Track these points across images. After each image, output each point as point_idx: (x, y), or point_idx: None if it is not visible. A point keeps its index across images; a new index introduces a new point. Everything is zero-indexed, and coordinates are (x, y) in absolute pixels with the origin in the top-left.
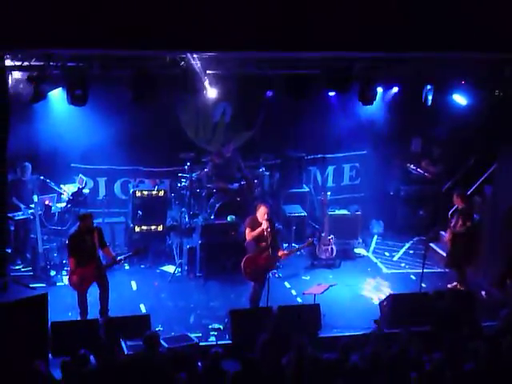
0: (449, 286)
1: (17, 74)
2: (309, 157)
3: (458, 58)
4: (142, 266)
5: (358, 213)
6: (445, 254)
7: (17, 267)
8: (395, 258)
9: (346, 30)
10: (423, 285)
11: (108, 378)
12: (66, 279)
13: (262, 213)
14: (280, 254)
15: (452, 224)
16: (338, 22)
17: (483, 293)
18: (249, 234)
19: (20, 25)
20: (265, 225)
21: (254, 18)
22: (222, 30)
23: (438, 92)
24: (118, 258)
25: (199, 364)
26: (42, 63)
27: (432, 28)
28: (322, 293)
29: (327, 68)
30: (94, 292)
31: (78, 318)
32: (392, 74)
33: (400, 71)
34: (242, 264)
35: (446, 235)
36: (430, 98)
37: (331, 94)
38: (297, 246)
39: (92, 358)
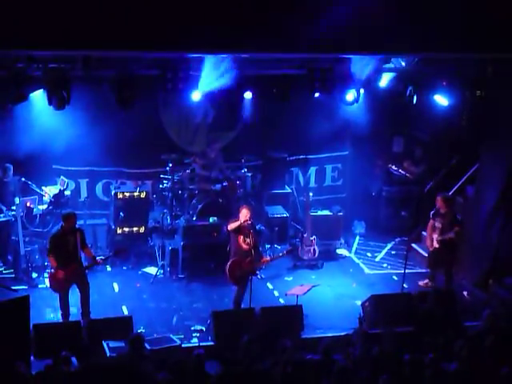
0: (420, 283)
1: None
2: (291, 158)
3: (439, 59)
4: (124, 268)
5: (340, 213)
6: (426, 255)
7: None
8: (377, 259)
9: (330, 31)
10: (405, 285)
11: (91, 380)
12: (47, 281)
13: (244, 214)
14: (263, 260)
15: (438, 229)
16: (324, 22)
17: (465, 293)
18: (230, 226)
19: (0, 25)
20: (243, 219)
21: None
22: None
23: (419, 92)
24: (98, 258)
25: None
26: (23, 64)
27: (413, 29)
28: (305, 294)
29: (310, 69)
30: (76, 294)
31: (61, 320)
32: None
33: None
34: (227, 268)
35: (430, 240)
36: (413, 98)
37: (316, 95)
38: (279, 249)
39: (74, 359)
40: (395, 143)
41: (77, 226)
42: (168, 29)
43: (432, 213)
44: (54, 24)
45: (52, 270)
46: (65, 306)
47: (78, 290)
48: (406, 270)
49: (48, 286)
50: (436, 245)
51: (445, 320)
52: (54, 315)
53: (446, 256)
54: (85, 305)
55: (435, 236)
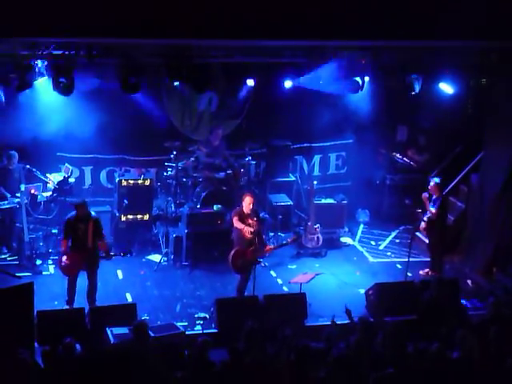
0: (421, 272)
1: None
2: (295, 146)
3: (444, 47)
4: (128, 255)
5: (344, 202)
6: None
7: (2, 256)
8: (381, 247)
9: (332, 18)
10: (409, 274)
11: (94, 367)
12: (51, 268)
13: (247, 202)
14: (266, 248)
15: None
16: (325, 9)
17: (469, 281)
18: (236, 222)
19: (6, 13)
20: (251, 229)
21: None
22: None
23: (424, 80)
24: (111, 253)
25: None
26: (27, 52)
27: (417, 16)
28: (308, 282)
29: (313, 57)
30: (82, 281)
31: (65, 306)
32: (378, 62)
33: (386, 59)
34: (231, 258)
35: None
36: (417, 86)
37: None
38: (283, 237)
39: (78, 346)
40: (399, 131)
41: (93, 214)
42: (174, 15)
43: (424, 196)
44: (59, 11)
45: (62, 251)
46: (71, 291)
47: (86, 277)
48: (410, 259)
49: (53, 272)
50: (423, 225)
51: (448, 309)
52: (57, 302)
53: (431, 240)
54: (91, 294)
55: (425, 218)
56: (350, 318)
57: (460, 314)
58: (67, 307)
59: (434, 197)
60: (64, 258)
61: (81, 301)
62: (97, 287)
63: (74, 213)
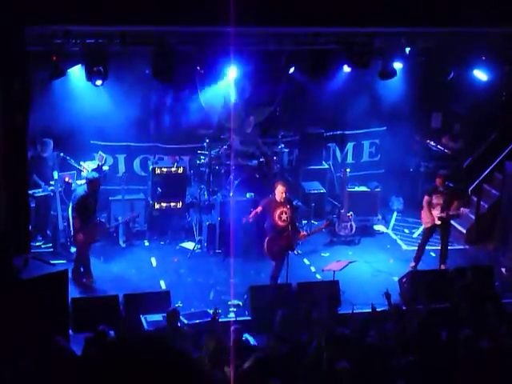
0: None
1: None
2: (328, 133)
3: (480, 33)
4: (162, 243)
5: (378, 189)
6: (464, 231)
7: (37, 244)
8: (415, 235)
9: (363, 4)
10: None
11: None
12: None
13: (280, 191)
14: (300, 234)
15: (439, 206)
16: None
17: (503, 270)
18: (259, 208)
19: (40, 2)
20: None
21: None
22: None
23: (458, 67)
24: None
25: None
26: (61, 40)
27: (452, 3)
28: (342, 269)
29: (347, 43)
30: (110, 267)
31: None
32: (413, 48)
33: (420, 46)
34: (265, 244)
35: (428, 217)
36: (451, 73)
37: (347, 69)
38: (316, 225)
39: (112, 333)
40: (434, 119)
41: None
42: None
43: (430, 189)
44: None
45: (76, 228)
46: (86, 260)
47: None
48: None
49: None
50: (437, 221)
51: (483, 296)
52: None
53: (443, 232)
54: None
55: (436, 212)
56: (390, 302)
57: (494, 302)
58: (86, 280)
59: (441, 189)
60: (80, 234)
61: (115, 287)
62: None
63: (83, 189)
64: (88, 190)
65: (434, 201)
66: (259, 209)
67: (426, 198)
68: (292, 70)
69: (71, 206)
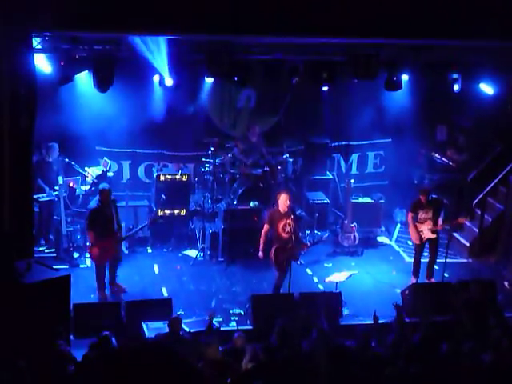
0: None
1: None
2: (333, 144)
3: (485, 46)
4: (165, 250)
5: (382, 201)
6: (468, 244)
7: (40, 249)
8: None
9: (370, 16)
10: (446, 274)
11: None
12: (88, 261)
13: (283, 200)
14: (303, 245)
15: (429, 220)
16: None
17: (506, 283)
18: (265, 227)
19: (49, 7)
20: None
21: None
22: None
23: (464, 80)
24: (134, 229)
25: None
26: (68, 46)
27: (458, 16)
28: (344, 280)
29: (354, 55)
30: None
31: (96, 294)
32: (418, 61)
33: (426, 58)
34: (272, 254)
35: (418, 233)
36: (456, 85)
37: (355, 80)
38: (319, 235)
39: (114, 340)
40: (439, 131)
41: (112, 198)
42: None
43: (412, 205)
44: (100, 6)
45: (91, 243)
46: (101, 278)
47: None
48: (447, 259)
49: (89, 265)
50: (432, 235)
51: (485, 310)
52: (93, 295)
53: (433, 245)
54: (112, 272)
55: (427, 227)
56: (399, 313)
57: (496, 315)
58: (99, 294)
59: (423, 202)
60: (95, 248)
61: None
62: (118, 266)
63: (96, 201)
64: (101, 201)
65: (422, 216)
66: (266, 227)
67: (410, 214)
68: (295, 80)
69: (86, 221)
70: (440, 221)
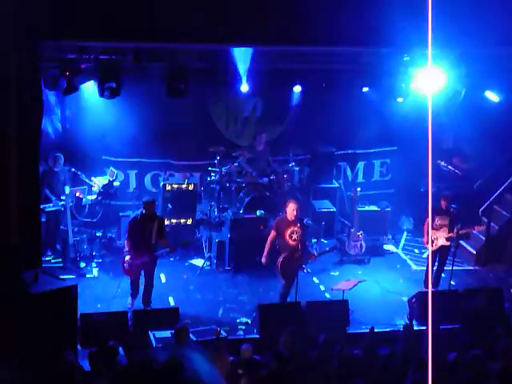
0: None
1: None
2: (339, 152)
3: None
4: (171, 259)
5: (388, 209)
6: (474, 252)
7: (47, 258)
8: (425, 255)
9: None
10: (452, 282)
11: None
12: (95, 271)
13: (291, 209)
14: (309, 255)
15: (445, 227)
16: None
17: None
18: (271, 236)
19: (54, 16)
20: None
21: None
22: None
23: (469, 88)
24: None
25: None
26: (75, 55)
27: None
28: (351, 289)
29: (360, 63)
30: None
31: (129, 300)
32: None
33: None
34: (279, 264)
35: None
36: (462, 93)
37: (365, 89)
38: (326, 244)
39: (121, 349)
40: (445, 139)
41: (159, 214)
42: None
43: (433, 212)
44: (107, 15)
45: (126, 254)
46: (134, 290)
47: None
48: (454, 267)
49: (96, 275)
50: (446, 243)
51: (492, 317)
52: (100, 305)
53: (444, 254)
54: (147, 293)
55: (442, 234)
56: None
57: (504, 323)
58: (131, 301)
59: (444, 209)
60: (128, 258)
61: (123, 302)
62: (153, 288)
63: (139, 212)
64: (143, 213)
65: (438, 222)
66: (272, 234)
67: (428, 221)
68: (298, 89)
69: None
70: (455, 230)
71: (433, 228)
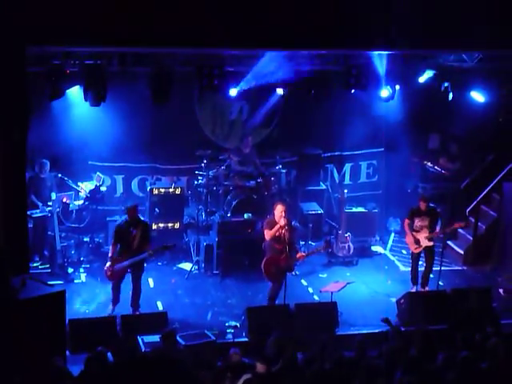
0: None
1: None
2: (326, 154)
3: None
4: (159, 264)
5: (375, 210)
6: (462, 252)
7: (35, 264)
8: None
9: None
10: (440, 283)
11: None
12: (83, 276)
13: (279, 211)
14: (298, 255)
15: (425, 227)
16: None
17: (501, 291)
18: (268, 234)
19: (39, 21)
20: (282, 222)
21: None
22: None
23: (455, 89)
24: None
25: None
26: (59, 61)
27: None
28: (339, 291)
29: (347, 65)
30: (107, 288)
31: (110, 306)
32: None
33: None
34: (263, 266)
35: (415, 241)
36: (450, 94)
37: (352, 91)
38: (314, 246)
39: (109, 355)
40: (431, 140)
41: (143, 219)
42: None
43: (410, 212)
44: (91, 20)
45: (110, 257)
46: (115, 293)
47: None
48: (442, 268)
49: (84, 280)
50: (429, 243)
51: (482, 318)
52: (88, 310)
53: (430, 254)
54: (135, 298)
55: (423, 235)
56: (391, 325)
57: (493, 323)
58: (111, 307)
59: (423, 210)
60: (108, 264)
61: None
62: (141, 292)
63: (124, 218)
64: (127, 219)
65: (418, 223)
66: (268, 232)
67: (407, 221)
68: (281, 91)
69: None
70: (437, 228)
71: (414, 230)
